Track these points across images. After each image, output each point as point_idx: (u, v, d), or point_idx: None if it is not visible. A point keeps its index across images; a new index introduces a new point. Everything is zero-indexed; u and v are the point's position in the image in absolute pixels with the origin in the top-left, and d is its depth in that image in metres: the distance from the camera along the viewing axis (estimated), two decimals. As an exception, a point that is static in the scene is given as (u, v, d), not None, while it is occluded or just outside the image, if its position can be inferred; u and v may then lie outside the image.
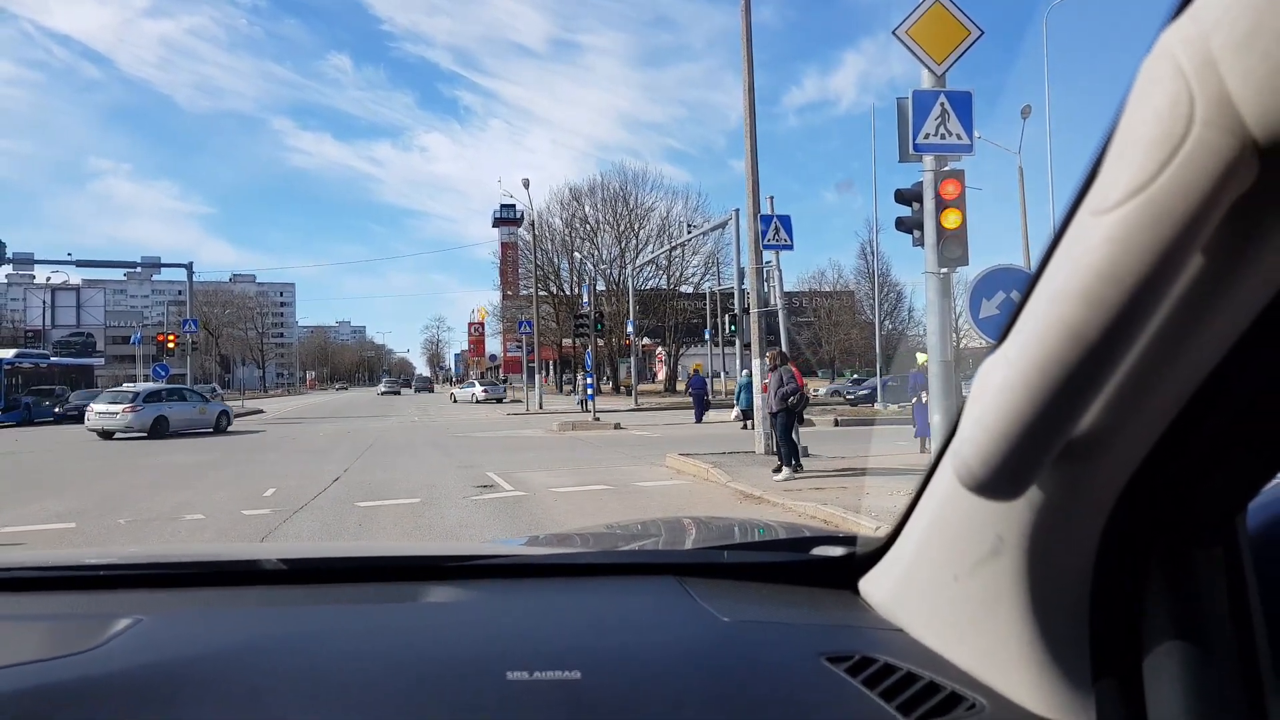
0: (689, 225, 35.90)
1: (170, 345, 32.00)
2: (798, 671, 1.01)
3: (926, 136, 8.53)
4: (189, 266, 34.02)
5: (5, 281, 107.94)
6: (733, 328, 27.51)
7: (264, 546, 3.71)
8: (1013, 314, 0.73)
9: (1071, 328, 0.60)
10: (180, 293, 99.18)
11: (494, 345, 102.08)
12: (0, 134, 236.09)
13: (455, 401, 54.41)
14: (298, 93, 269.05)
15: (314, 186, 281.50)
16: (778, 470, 11.20)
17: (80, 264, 32.47)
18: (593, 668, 0.98)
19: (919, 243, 9.23)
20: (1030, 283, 0.70)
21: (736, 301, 27.27)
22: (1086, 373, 0.62)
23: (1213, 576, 0.79)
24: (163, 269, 34.49)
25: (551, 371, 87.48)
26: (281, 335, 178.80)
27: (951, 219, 8.86)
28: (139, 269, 33.68)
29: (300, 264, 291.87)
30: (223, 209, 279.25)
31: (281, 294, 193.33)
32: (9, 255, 30.58)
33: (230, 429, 26.21)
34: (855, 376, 52.55)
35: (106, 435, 23.10)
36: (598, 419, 24.45)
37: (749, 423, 24.39)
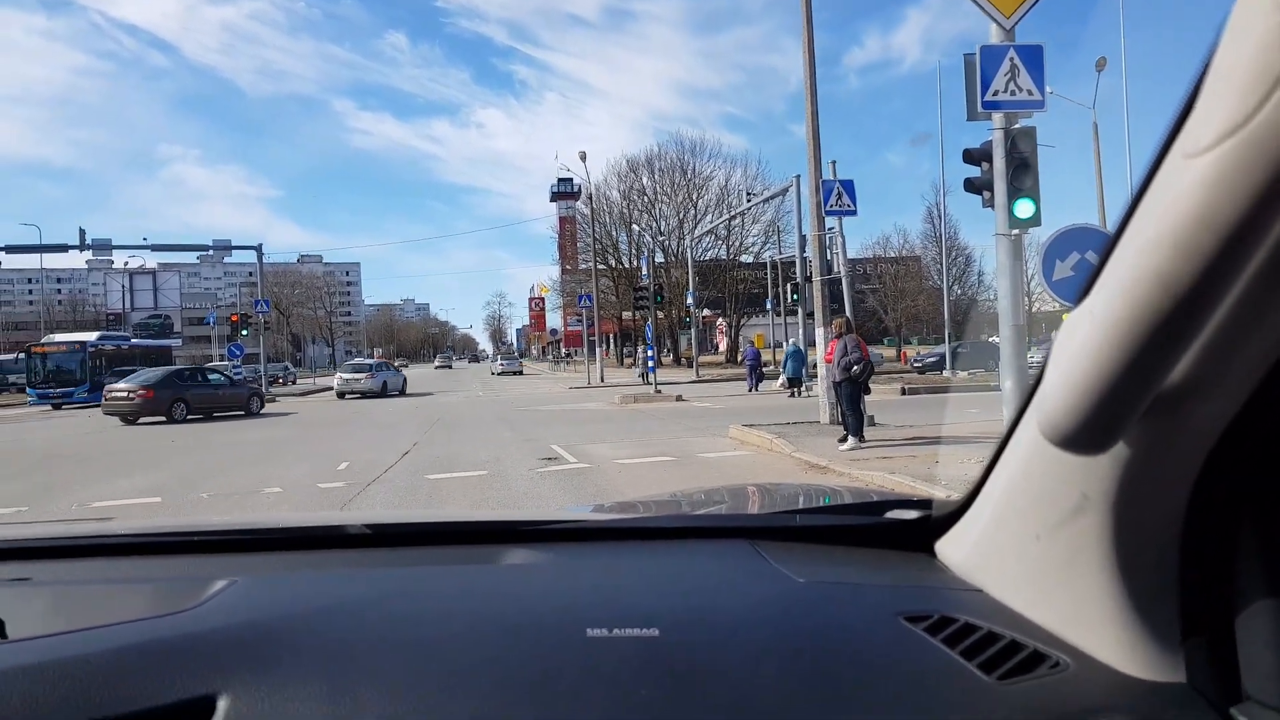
0: (748, 194, 35.45)
1: (245, 324, 32.83)
2: (876, 630, 1.00)
3: (995, 93, 8.22)
4: (259, 248, 34.87)
5: (86, 267, 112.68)
6: (795, 297, 27.23)
7: (346, 515, 3.88)
8: (1097, 267, 0.71)
9: (1163, 277, 0.58)
10: (251, 274, 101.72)
11: (554, 320, 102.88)
12: (75, 124, 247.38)
13: (493, 375, 57.01)
14: (357, 73, 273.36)
15: (376, 167, 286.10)
16: (843, 440, 11.07)
17: (155, 248, 33.52)
18: (671, 626, 0.99)
19: (989, 204, 8.95)
20: (1116, 233, 0.68)
21: (798, 270, 26.93)
22: (1178, 323, 0.60)
23: None
24: (234, 251, 35.33)
25: (612, 344, 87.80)
26: (349, 314, 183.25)
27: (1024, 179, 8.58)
28: (210, 251, 34.65)
29: (364, 244, 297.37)
30: (289, 191, 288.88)
31: (348, 273, 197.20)
32: (89, 241, 31.79)
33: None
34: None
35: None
36: (659, 391, 24.46)
37: (795, 391, 24.30)
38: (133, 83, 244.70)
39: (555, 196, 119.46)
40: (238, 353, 32.48)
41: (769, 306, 48.41)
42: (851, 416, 11.07)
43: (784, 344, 26.03)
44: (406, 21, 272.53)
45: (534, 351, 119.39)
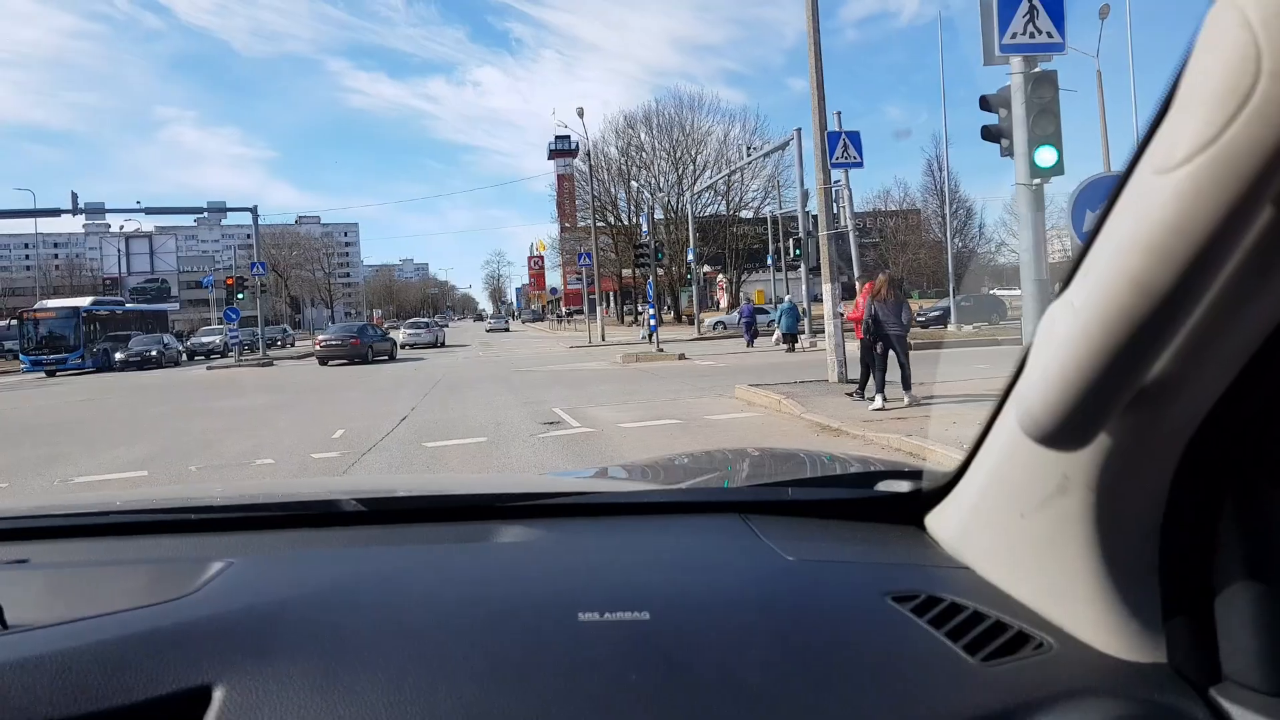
0: (748, 149, 34.63)
1: (241, 287, 32.42)
2: (863, 611, 1.01)
3: (1014, 36, 7.89)
4: (254, 210, 34.29)
5: (83, 232, 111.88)
6: (797, 252, 26.80)
7: (343, 482, 3.79)
8: (1075, 259, 0.73)
9: (1139, 281, 0.60)
10: (248, 236, 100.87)
11: (554, 278, 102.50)
12: (70, 87, 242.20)
13: (486, 332, 54.54)
14: (351, 33, 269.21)
15: (372, 126, 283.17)
16: (867, 398, 10.81)
17: (150, 211, 33.30)
18: (661, 608, 1.00)
19: (1007, 152, 8.53)
20: (1093, 230, 0.70)
21: (800, 224, 26.47)
22: (1154, 324, 0.62)
23: None
24: (229, 213, 34.75)
25: (612, 303, 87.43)
26: (348, 275, 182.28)
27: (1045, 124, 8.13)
28: (206, 214, 34.02)
29: (362, 204, 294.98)
30: (285, 153, 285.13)
31: (346, 234, 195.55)
32: (82, 205, 31.19)
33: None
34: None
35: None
36: (661, 350, 24.09)
37: (791, 346, 24.01)
38: (126, 45, 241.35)
39: (553, 154, 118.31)
40: (234, 316, 32.07)
41: (769, 262, 47.84)
42: (879, 374, 10.68)
43: (803, 299, 25.63)
44: None
45: (534, 310, 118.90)
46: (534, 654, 0.91)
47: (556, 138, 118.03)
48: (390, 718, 0.82)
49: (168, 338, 34.26)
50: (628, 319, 62.28)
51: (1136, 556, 0.86)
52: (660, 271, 61.08)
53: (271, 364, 31.33)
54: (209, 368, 29.91)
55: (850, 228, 13.65)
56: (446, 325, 52.28)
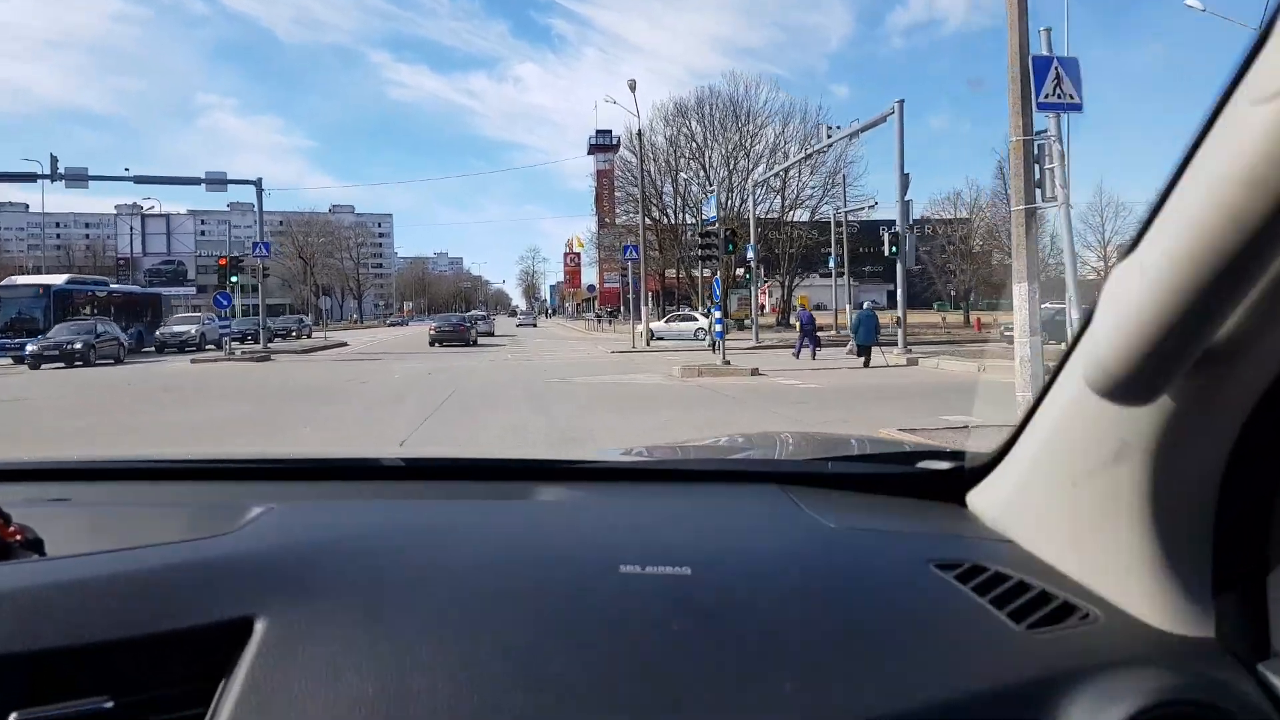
0: (827, 131, 29.82)
1: (236, 269, 28.34)
2: (906, 577, 1.00)
3: (1046, 96, 9.05)
4: (258, 183, 30.27)
5: (115, 212, 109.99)
6: (893, 249, 22.17)
7: (386, 450, 2.58)
8: (1146, 220, 0.71)
9: (1234, 212, 0.58)
10: (282, 222, 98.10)
11: (590, 276, 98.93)
12: (113, 71, 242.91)
13: (517, 327, 48.58)
14: (394, 24, 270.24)
15: (413, 120, 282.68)
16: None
17: (139, 180, 29.20)
18: (703, 565, 0.98)
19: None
20: (1169, 184, 0.68)
21: (899, 218, 21.91)
22: (1244, 262, 0.60)
23: None
24: (230, 185, 30.80)
25: (652, 304, 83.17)
26: (380, 266, 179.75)
27: None
28: (204, 184, 30.10)
29: (397, 194, 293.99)
30: (325, 143, 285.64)
31: (379, 225, 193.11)
32: (61, 170, 27.38)
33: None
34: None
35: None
36: (728, 363, 19.48)
37: (867, 360, 19.66)
38: (171, 30, 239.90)
39: (593, 149, 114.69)
40: (225, 302, 27.78)
41: (831, 265, 43.23)
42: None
43: (841, 307, 21.20)
44: None
45: (568, 308, 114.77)
46: (576, 600, 0.91)
47: (597, 132, 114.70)
48: (432, 655, 0.82)
49: (106, 325, 27.43)
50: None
51: (1189, 528, 0.84)
52: (706, 273, 56.86)
53: (269, 358, 27.20)
54: (193, 361, 25.61)
55: (1064, 200, 9.04)
56: (479, 322, 48.05)
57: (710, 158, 52.56)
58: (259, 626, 0.84)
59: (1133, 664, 0.80)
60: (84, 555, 0.93)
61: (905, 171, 20.75)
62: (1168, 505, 0.84)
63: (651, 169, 54.00)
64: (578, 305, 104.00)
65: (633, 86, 30.51)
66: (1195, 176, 0.62)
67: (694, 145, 53.36)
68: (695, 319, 41.05)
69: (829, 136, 26.75)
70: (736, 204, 52.03)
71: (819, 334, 24.68)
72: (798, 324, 25.58)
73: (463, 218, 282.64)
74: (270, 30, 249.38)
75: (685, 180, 53.61)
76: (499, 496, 1.33)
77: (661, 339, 37.28)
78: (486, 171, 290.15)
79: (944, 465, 1.32)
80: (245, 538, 1.03)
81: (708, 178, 52.61)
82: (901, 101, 21.06)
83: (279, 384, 18.67)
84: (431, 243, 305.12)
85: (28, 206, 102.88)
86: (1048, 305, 12.60)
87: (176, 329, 33.71)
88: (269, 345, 31.88)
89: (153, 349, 32.40)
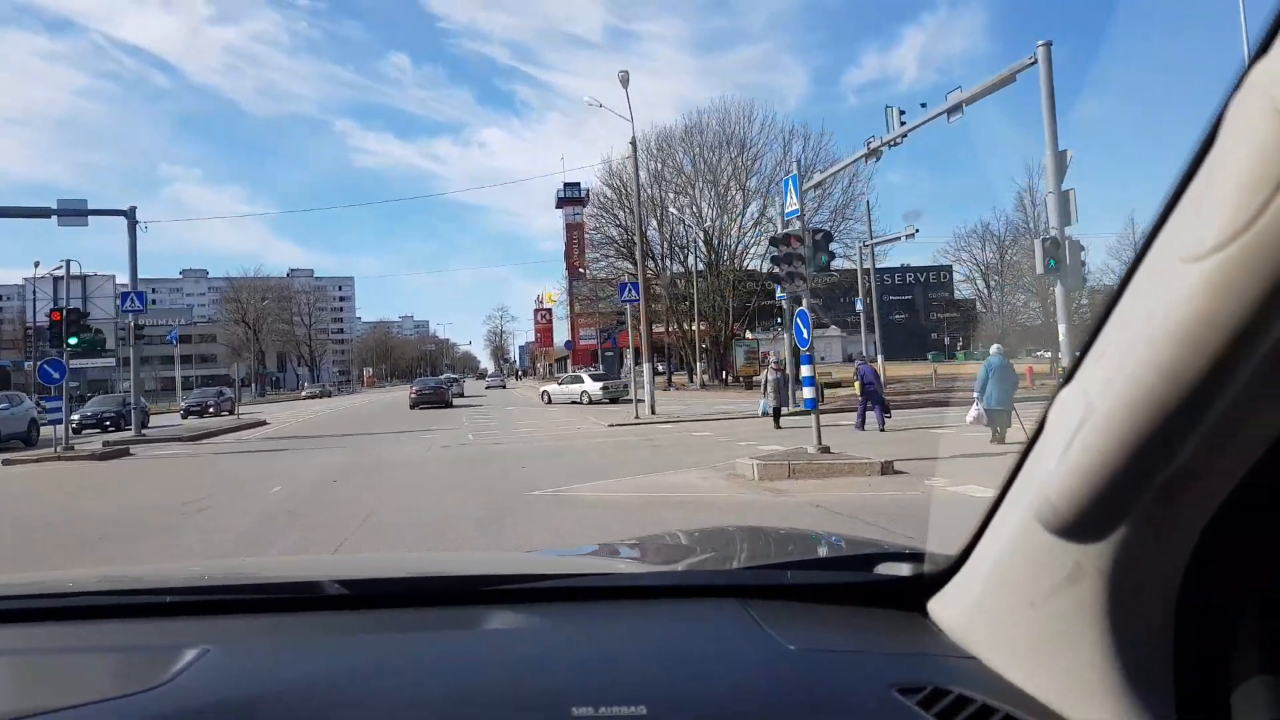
0: (899, 117, 22.68)
1: (78, 328, 20.47)
2: (869, 704, 0.97)
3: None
4: (130, 213, 22.99)
5: (21, 283, 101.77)
6: (1050, 262, 14.46)
7: (327, 562, 2.99)
8: (1086, 343, 0.73)
9: (1170, 371, 0.59)
10: (254, 294, 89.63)
11: (563, 333, 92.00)
12: (77, 146, 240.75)
13: (549, 403, 37.11)
14: (359, 93, 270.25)
15: (378, 186, 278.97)
16: None
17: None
18: (659, 702, 0.95)
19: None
20: (1100, 317, 0.70)
21: (1051, 213, 14.54)
22: (1184, 415, 0.61)
23: None
24: (89, 215, 23.17)
25: (633, 362, 75.93)
26: (341, 331, 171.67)
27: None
28: (56, 214, 22.59)
29: (361, 259, 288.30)
30: (290, 211, 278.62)
31: (340, 288, 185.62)
32: None
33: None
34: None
35: None
36: (828, 449, 11.59)
37: (1000, 436, 12.44)
38: (134, 104, 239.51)
39: (562, 202, 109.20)
40: (56, 375, 18.09)
41: (858, 309, 36.35)
42: None
43: (992, 352, 13.89)
44: (409, 43, 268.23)
45: (539, 369, 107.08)
46: None
47: (565, 184, 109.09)
48: None
49: None
50: (679, 380, 50.08)
51: (1151, 648, 0.83)
52: (703, 325, 49.91)
53: (126, 453, 19.27)
54: (5, 462, 17.53)
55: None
56: (454, 385, 47.76)
57: (700, 192, 45.54)
58: None
59: None
60: None
61: (1061, 149, 13.55)
62: (1127, 626, 0.83)
63: (633, 207, 47.15)
64: (550, 365, 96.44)
65: (625, 80, 23.44)
66: (1123, 330, 0.63)
67: (682, 179, 46.37)
68: (582, 380, 36.98)
69: (902, 123, 19.07)
70: (732, 241, 45.17)
71: (884, 397, 17.43)
72: (857, 382, 18.13)
73: (430, 281, 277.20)
74: (234, 101, 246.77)
75: (674, 217, 46.49)
76: (446, 626, 1.27)
77: (553, 402, 36.00)
78: (464, 244, 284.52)
79: (904, 570, 1.29)
80: (177, 691, 0.97)
81: (699, 214, 45.73)
82: (1048, 44, 14.01)
83: (50, 515, 10.90)
84: (397, 307, 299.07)
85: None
86: None
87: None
88: (145, 430, 24.16)
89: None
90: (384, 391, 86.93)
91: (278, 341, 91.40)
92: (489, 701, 0.98)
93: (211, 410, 40.16)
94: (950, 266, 59.35)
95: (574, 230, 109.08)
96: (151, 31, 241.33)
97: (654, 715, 0.92)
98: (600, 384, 36.37)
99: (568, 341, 66.37)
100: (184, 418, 38.91)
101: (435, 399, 36.05)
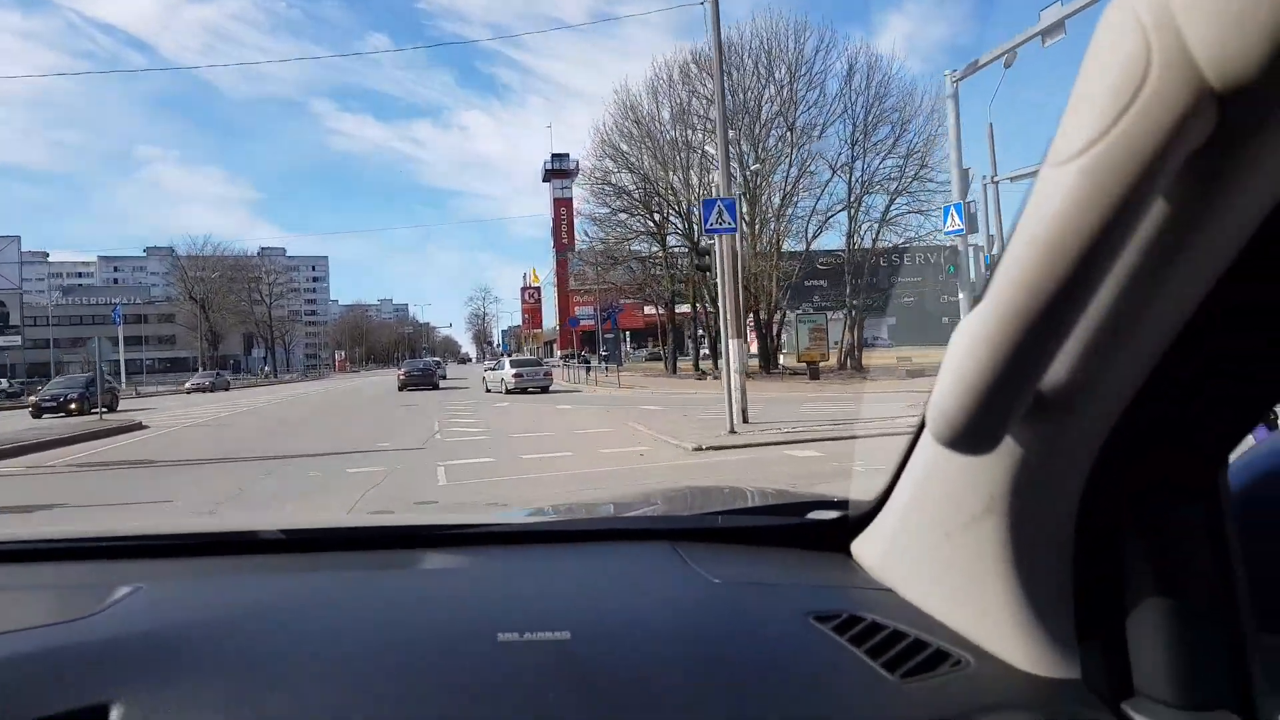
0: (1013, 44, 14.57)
1: None
2: (784, 630, 1.01)
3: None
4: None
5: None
6: None
7: (267, 517, 2.82)
8: (990, 269, 0.75)
9: (1032, 276, 0.61)
10: (204, 268, 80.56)
11: (551, 318, 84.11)
12: (51, 125, 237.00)
13: (506, 392, 29.94)
14: (338, 74, 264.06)
15: (358, 169, 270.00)
16: None
17: None
18: (582, 628, 0.99)
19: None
20: (1009, 234, 0.70)
21: None
22: (1048, 321, 0.63)
23: (1195, 534, 0.80)
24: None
25: (627, 343, 67.36)
26: (314, 313, 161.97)
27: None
28: None
29: (340, 242, 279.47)
30: (269, 194, 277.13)
31: (314, 268, 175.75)
32: None
33: None
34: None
35: None
36: None
37: None
38: (110, 83, 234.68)
39: (549, 174, 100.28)
40: None
41: (952, 272, 27.96)
42: None
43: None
44: (388, 23, 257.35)
45: (526, 354, 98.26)
46: (451, 675, 0.90)
47: (553, 156, 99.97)
48: None
49: None
50: (682, 368, 41.22)
51: (1052, 575, 0.87)
52: (718, 304, 41.44)
53: None
54: None
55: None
56: (439, 368, 45.16)
57: (741, 122, 36.10)
58: (114, 715, 0.80)
59: (1003, 708, 0.84)
60: None
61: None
62: (1031, 554, 0.86)
63: (644, 159, 38.36)
64: (538, 349, 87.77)
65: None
66: (1011, 241, 0.65)
67: (709, 126, 37.42)
68: (503, 366, 31.54)
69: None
70: (773, 194, 36.36)
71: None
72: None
73: (412, 266, 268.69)
74: (211, 82, 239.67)
75: (698, 159, 37.16)
76: (380, 567, 1.29)
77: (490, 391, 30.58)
78: (443, 227, 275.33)
79: (830, 515, 1.32)
80: (106, 621, 0.99)
81: (756, 152, 36.59)
82: None
83: None
84: (377, 292, 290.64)
85: None
86: None
87: None
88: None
89: None
90: (353, 378, 77.77)
91: (239, 322, 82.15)
92: (419, 633, 1.00)
93: (74, 407, 28.70)
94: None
95: (562, 206, 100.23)
96: (127, 9, 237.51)
97: (578, 639, 0.95)
98: (514, 370, 29.85)
99: (573, 319, 56.68)
100: (36, 415, 28.03)
101: (424, 381, 36.88)
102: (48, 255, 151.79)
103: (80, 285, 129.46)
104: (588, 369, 36.37)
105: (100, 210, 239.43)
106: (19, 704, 0.80)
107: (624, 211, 38.97)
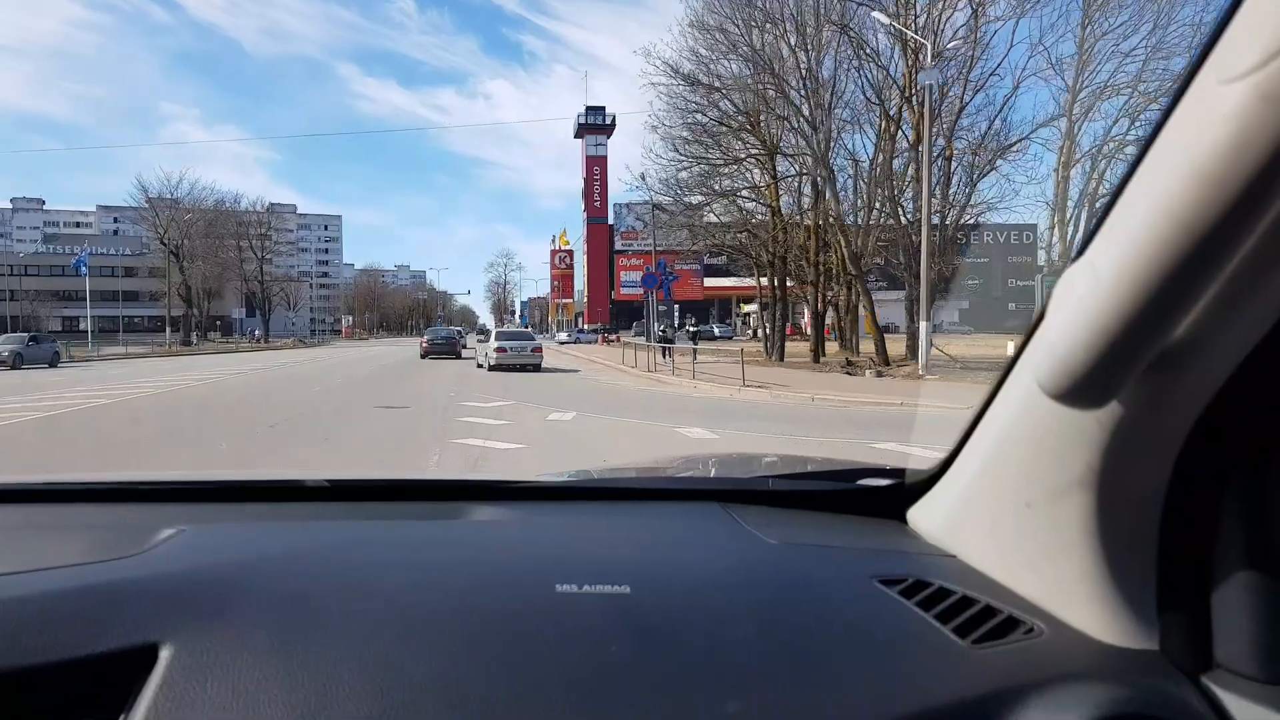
0: None
1: None
2: (849, 592, 0.99)
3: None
4: None
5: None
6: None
7: (305, 470, 2.53)
8: (1099, 218, 0.69)
9: (1191, 213, 0.55)
10: (177, 209, 69.54)
11: (581, 283, 73.20)
12: (73, 78, 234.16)
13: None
14: (363, 37, 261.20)
15: (380, 133, 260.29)
16: None
17: None
18: (641, 583, 0.96)
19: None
20: (1128, 171, 0.65)
21: None
22: (1204, 262, 0.57)
23: None
24: None
25: (676, 316, 56.30)
26: (326, 275, 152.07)
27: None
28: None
29: (360, 209, 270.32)
30: (289, 156, 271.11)
31: (326, 227, 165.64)
32: None
33: None
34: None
35: None
36: None
37: None
38: (133, 38, 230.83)
39: (583, 130, 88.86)
40: None
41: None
42: None
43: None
44: None
45: (552, 327, 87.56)
46: (509, 622, 0.87)
47: (588, 109, 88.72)
48: (354, 682, 0.77)
49: None
50: (790, 348, 29.57)
51: (1136, 544, 0.84)
52: (791, 282, 28.29)
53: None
54: None
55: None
56: (462, 338, 42.55)
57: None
58: (164, 654, 0.79)
59: (1078, 677, 0.80)
60: None
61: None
62: (1119, 523, 0.83)
63: (765, 44, 26.81)
64: (567, 321, 76.78)
65: None
66: (1151, 169, 0.59)
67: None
68: (488, 339, 27.26)
69: None
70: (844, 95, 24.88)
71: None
72: None
73: (431, 235, 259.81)
74: (236, 40, 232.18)
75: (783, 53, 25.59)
76: (430, 517, 1.28)
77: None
78: (466, 196, 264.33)
79: (884, 482, 1.30)
80: (152, 560, 0.98)
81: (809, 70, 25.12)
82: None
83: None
84: (394, 257, 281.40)
85: None
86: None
87: None
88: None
89: None
90: (360, 346, 66.77)
91: (223, 277, 71.49)
92: (471, 579, 0.97)
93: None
94: (1035, 226, 48.20)
95: (595, 164, 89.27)
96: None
97: (637, 593, 0.92)
98: (497, 344, 25.10)
99: (649, 277, 45.01)
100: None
101: (447, 349, 35.53)
102: (43, 203, 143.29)
103: (61, 234, 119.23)
104: (665, 352, 24.67)
105: (124, 166, 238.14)
106: (65, 640, 0.79)
107: (723, 123, 27.23)
